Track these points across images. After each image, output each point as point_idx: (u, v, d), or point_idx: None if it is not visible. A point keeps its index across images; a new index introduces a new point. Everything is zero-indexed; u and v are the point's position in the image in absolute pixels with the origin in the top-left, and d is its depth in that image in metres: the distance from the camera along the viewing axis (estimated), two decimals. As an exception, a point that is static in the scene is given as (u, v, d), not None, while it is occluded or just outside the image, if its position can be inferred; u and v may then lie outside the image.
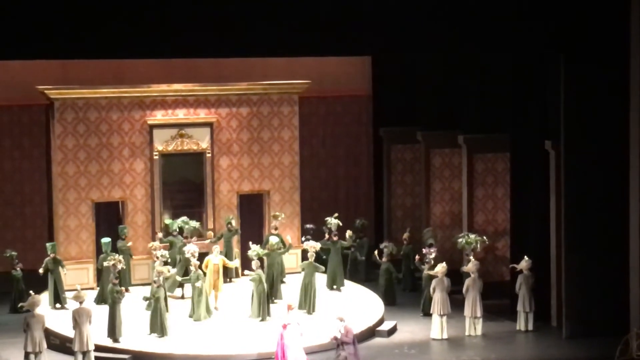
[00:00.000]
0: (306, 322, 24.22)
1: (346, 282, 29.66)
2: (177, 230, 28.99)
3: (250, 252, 26.91)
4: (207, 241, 28.96)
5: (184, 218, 29.12)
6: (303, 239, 29.73)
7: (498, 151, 29.39)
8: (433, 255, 27.48)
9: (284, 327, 23.20)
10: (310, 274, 27.14)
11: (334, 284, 28.94)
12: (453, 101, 30.29)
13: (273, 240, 28.72)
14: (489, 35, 25.21)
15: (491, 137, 29.20)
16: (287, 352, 23.13)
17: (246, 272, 27.01)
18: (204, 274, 26.66)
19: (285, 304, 23.82)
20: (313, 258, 27.31)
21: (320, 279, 28.31)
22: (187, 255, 27.09)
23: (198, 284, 26.00)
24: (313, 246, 27.67)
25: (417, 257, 28.16)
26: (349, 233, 29.60)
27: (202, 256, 27.46)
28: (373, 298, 28.30)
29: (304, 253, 28.58)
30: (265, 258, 27.95)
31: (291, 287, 28.57)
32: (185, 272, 27.73)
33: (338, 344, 22.88)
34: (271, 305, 26.58)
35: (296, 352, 23.11)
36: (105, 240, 27.71)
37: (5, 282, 27.73)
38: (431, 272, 26.64)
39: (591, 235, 25.65)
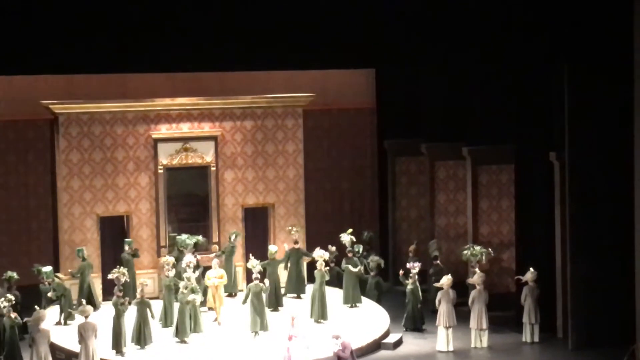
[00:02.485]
0: (312, 334, 24.12)
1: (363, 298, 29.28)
2: (188, 246, 28.81)
3: (249, 264, 26.90)
4: (212, 255, 28.89)
5: (185, 235, 28.98)
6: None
7: (503, 163, 29.35)
8: (417, 270, 27.38)
9: (290, 339, 23.17)
10: (318, 282, 27.25)
11: (349, 300, 28.72)
12: (457, 113, 30.24)
13: (272, 249, 28.84)
14: (492, 47, 25.22)
15: (496, 149, 29.19)
16: None
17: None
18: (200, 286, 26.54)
19: (290, 316, 23.84)
20: (323, 267, 27.50)
21: (337, 296, 28.42)
22: (183, 266, 26.98)
23: (191, 297, 25.83)
24: (321, 255, 27.77)
25: (400, 271, 27.99)
26: (331, 250, 29.35)
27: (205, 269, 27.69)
28: (379, 311, 28.20)
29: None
30: (267, 268, 28.14)
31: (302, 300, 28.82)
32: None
33: (339, 359, 22.96)
34: (270, 318, 26.32)
35: None
36: (47, 269, 27.34)
37: (32, 295, 27.37)
38: (437, 285, 26.63)
39: (596, 246, 25.62)
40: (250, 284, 26.23)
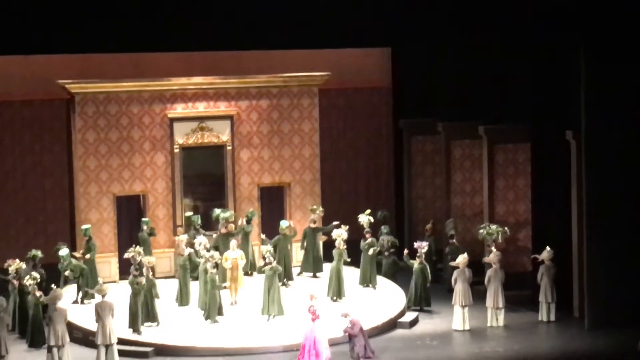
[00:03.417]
0: (327, 312, 24.12)
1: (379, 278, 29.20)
2: (200, 224, 28.95)
3: (262, 249, 26.73)
4: (214, 235, 28.81)
5: (219, 209, 29.13)
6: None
7: (519, 142, 29.21)
8: (425, 249, 27.34)
9: (314, 319, 23.21)
10: (336, 260, 27.32)
11: (366, 281, 28.64)
12: (473, 92, 30.13)
13: (283, 224, 28.91)
14: (509, 26, 25.12)
15: (512, 128, 29.07)
16: (318, 346, 23.14)
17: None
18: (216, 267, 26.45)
19: (308, 293, 23.85)
20: (341, 245, 27.51)
21: (354, 277, 28.43)
22: (197, 247, 26.96)
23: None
24: (339, 234, 27.78)
25: (405, 251, 27.91)
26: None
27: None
28: (395, 290, 28.17)
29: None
30: (278, 243, 28.32)
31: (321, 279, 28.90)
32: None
33: (349, 337, 23.06)
34: (284, 299, 26.11)
35: (325, 346, 23.13)
36: (63, 252, 27.30)
37: (50, 274, 27.39)
38: (453, 264, 26.60)
39: (613, 225, 25.58)
40: (265, 269, 25.93)
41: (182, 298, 26.89)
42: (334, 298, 27.25)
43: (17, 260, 25.98)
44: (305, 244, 29.63)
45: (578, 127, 25.77)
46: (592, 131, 25.46)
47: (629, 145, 25.39)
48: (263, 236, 29.00)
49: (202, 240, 27.16)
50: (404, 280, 28.32)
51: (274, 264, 25.95)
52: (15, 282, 25.59)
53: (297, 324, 24.78)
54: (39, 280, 24.91)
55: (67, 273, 27.03)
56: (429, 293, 27.32)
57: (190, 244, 27.48)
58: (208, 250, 26.71)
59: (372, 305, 26.73)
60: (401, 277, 28.84)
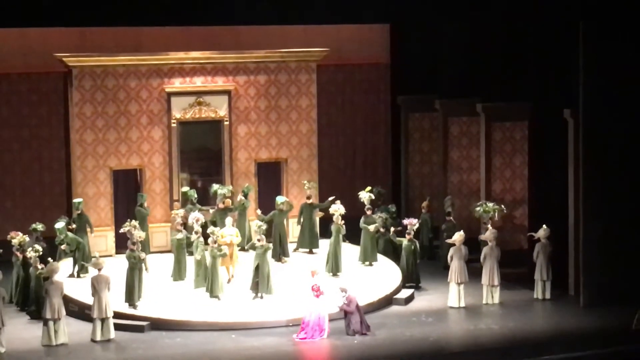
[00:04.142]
0: (328, 288, 24.11)
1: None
2: (196, 198, 28.97)
3: (253, 225, 26.48)
4: (234, 208, 28.80)
5: (217, 185, 29.18)
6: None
7: (517, 119, 29.20)
8: (415, 226, 27.34)
9: (318, 295, 23.26)
10: (334, 236, 27.37)
11: (366, 258, 28.57)
12: (472, 69, 30.08)
13: (279, 200, 28.90)
14: (509, 3, 25.05)
15: (510, 106, 29.03)
16: (322, 322, 23.25)
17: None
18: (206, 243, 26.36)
19: (309, 270, 23.86)
20: (339, 220, 27.57)
21: (352, 254, 28.40)
22: (190, 222, 26.89)
23: (197, 255, 25.82)
24: (337, 210, 27.80)
25: (392, 229, 27.77)
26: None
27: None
28: (392, 267, 28.16)
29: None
30: (273, 219, 28.31)
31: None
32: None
33: (345, 313, 23.13)
34: (276, 278, 25.99)
35: (327, 322, 23.21)
36: (59, 225, 27.14)
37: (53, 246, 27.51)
38: (449, 241, 26.55)
39: (610, 204, 25.54)
40: (257, 247, 25.67)
41: (177, 273, 26.88)
42: (332, 273, 27.24)
43: (20, 234, 25.96)
44: (301, 220, 29.62)
45: (576, 105, 25.68)
46: (590, 110, 25.37)
47: (627, 124, 25.33)
48: (258, 211, 28.99)
49: (197, 216, 27.14)
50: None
51: (264, 242, 25.68)
52: (19, 255, 25.59)
53: (292, 300, 24.89)
54: (40, 253, 24.87)
55: (63, 247, 27.03)
56: (418, 270, 27.31)
57: (185, 220, 27.39)
58: (203, 227, 26.61)
59: (368, 282, 26.71)
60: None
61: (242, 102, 30.41)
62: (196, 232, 26.27)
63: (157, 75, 29.73)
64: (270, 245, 26.21)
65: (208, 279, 25.54)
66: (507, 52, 28.75)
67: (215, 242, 25.61)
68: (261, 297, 25.28)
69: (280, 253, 28.57)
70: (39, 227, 27.06)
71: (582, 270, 25.82)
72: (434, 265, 29.07)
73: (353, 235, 28.99)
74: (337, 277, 27.04)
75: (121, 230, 25.94)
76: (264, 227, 26.23)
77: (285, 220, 29.18)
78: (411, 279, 27.11)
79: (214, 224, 27.67)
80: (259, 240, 25.54)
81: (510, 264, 27.32)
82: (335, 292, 23.70)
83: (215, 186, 29.16)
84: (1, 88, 31.47)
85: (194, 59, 30.00)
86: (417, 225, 27.61)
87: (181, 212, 27.86)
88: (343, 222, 28.00)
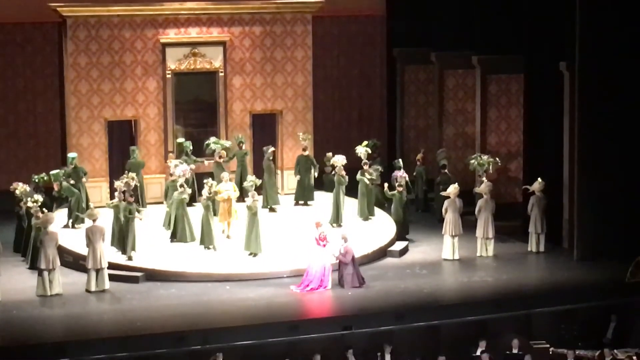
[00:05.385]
0: (332, 240, 24.10)
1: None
2: (191, 149, 28.91)
3: (246, 184, 26.22)
4: (222, 160, 28.78)
5: (214, 138, 29.13)
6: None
7: (512, 72, 29.14)
8: (404, 179, 27.31)
9: (324, 245, 23.34)
10: (337, 187, 27.49)
11: (364, 213, 28.38)
12: (468, 22, 29.94)
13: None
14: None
15: (506, 58, 28.96)
16: (326, 273, 23.35)
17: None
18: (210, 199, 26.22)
19: (314, 221, 23.91)
20: (341, 172, 27.60)
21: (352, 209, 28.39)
22: (178, 174, 26.73)
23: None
24: (340, 161, 27.88)
25: (385, 184, 27.62)
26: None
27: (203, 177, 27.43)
28: (386, 219, 28.16)
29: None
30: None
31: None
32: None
33: (339, 264, 23.28)
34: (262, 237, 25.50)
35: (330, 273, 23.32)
36: (55, 171, 27.25)
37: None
38: (443, 193, 26.59)
39: (604, 158, 25.57)
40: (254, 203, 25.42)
41: (170, 223, 26.79)
42: (333, 224, 27.21)
43: (21, 184, 25.98)
44: (298, 172, 29.56)
45: (572, 58, 25.60)
46: (586, 63, 25.29)
47: (623, 77, 25.25)
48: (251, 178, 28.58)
49: (184, 169, 26.95)
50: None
51: (256, 198, 25.43)
52: (23, 205, 25.58)
53: (287, 252, 25.05)
54: (40, 202, 24.81)
55: (54, 193, 26.88)
56: (407, 222, 27.34)
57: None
58: (189, 182, 26.50)
59: (362, 234, 26.73)
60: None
61: (237, 54, 30.27)
62: (181, 186, 26.06)
63: (152, 25, 29.56)
64: (257, 206, 25.52)
65: (202, 230, 25.49)
66: (503, 4, 28.60)
67: (209, 193, 25.53)
68: (254, 256, 25.13)
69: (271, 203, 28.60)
70: (43, 177, 26.99)
71: (576, 223, 25.89)
72: (429, 218, 29.16)
73: (347, 188, 28.89)
74: (339, 227, 26.93)
75: (118, 184, 25.83)
76: (258, 182, 26.16)
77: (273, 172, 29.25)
78: (401, 230, 27.10)
79: (212, 177, 27.55)
80: (250, 195, 25.34)
81: (505, 217, 27.36)
82: (336, 241, 23.72)
83: (210, 140, 29.03)
84: (-5, 38, 31.35)
85: (188, 10, 29.83)
86: (406, 178, 27.46)
87: (176, 162, 27.69)
88: (344, 172, 27.88)
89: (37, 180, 26.90)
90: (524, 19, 27.59)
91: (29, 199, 25.01)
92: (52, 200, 27.33)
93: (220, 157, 28.86)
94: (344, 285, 23.49)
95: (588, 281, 24.34)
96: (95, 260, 23.35)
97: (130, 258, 24.67)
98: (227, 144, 29.16)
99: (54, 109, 31.57)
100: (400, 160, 29.64)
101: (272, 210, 28.58)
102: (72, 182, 27.37)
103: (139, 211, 25.27)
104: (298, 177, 29.49)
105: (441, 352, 21.31)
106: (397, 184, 27.19)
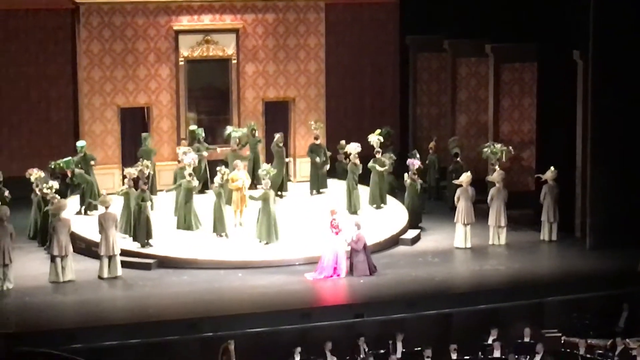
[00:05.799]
0: (346, 227, 24.09)
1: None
2: (204, 137, 28.91)
3: (260, 172, 26.26)
4: (236, 147, 28.69)
5: (232, 127, 29.08)
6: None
7: (526, 60, 29.11)
8: (416, 166, 27.21)
9: (337, 233, 23.34)
10: (351, 175, 27.45)
11: (375, 201, 28.29)
12: (481, 9, 29.77)
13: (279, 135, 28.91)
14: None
15: (519, 46, 28.92)
16: (339, 260, 23.35)
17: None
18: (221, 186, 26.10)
19: (329, 209, 23.90)
20: (357, 160, 27.57)
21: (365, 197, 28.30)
22: (187, 162, 26.60)
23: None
24: (355, 149, 27.81)
25: (405, 175, 27.40)
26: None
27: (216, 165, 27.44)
28: (399, 208, 28.01)
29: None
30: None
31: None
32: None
33: (351, 251, 23.29)
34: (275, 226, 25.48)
35: (344, 260, 23.34)
36: (66, 159, 27.35)
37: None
38: (456, 182, 26.56)
39: (618, 146, 25.50)
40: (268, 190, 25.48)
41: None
42: (350, 212, 27.16)
43: (35, 170, 26.02)
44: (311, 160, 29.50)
45: (586, 47, 25.52)
46: (600, 52, 25.20)
47: (637, 66, 25.16)
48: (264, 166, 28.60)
49: (193, 157, 26.84)
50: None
51: (269, 187, 25.44)
52: (38, 192, 25.63)
53: (301, 239, 25.07)
54: (54, 189, 24.86)
55: (67, 180, 26.97)
56: (421, 210, 27.31)
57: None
58: (200, 170, 26.55)
59: (375, 222, 26.68)
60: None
61: (250, 41, 30.23)
62: (189, 175, 25.97)
63: (165, 12, 29.53)
64: (271, 192, 25.62)
65: (214, 217, 25.44)
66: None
67: (222, 179, 25.53)
68: (266, 244, 25.13)
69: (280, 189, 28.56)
70: (59, 163, 27.03)
71: (588, 212, 25.84)
72: (441, 206, 29.09)
73: (360, 177, 28.81)
74: (354, 215, 26.88)
75: (132, 171, 25.87)
76: (273, 171, 26.16)
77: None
78: (414, 219, 27.04)
79: (226, 165, 27.47)
80: (264, 184, 25.35)
81: (517, 206, 27.32)
82: (350, 228, 23.69)
83: (229, 129, 29.00)
84: (8, 25, 31.15)
85: (202, -3, 29.81)
86: (417, 165, 27.35)
87: (185, 149, 27.59)
88: (358, 159, 27.82)
89: (53, 167, 26.97)
90: (538, 7, 27.47)
91: (44, 185, 25.03)
92: (67, 187, 27.41)
93: (238, 144, 28.74)
94: (355, 273, 23.47)
95: (600, 270, 24.31)
96: (108, 247, 23.37)
97: (144, 245, 24.57)
98: (245, 131, 29.08)
99: (66, 96, 31.43)
100: (416, 151, 29.55)
101: (279, 196, 28.46)
102: (81, 170, 27.35)
103: (150, 200, 25.25)
104: (318, 159, 29.21)
105: (452, 341, 21.29)
106: (410, 173, 27.10)
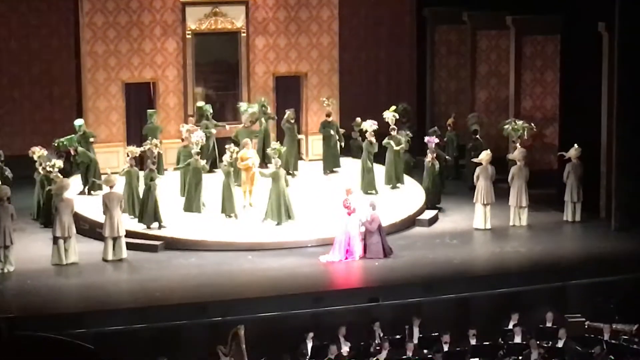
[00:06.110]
0: (361, 207, 23.73)
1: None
2: (212, 113, 28.51)
3: (269, 150, 25.94)
4: (249, 124, 28.20)
5: (245, 103, 28.76)
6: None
7: (548, 33, 28.81)
8: (434, 144, 26.79)
9: (350, 214, 23.02)
10: (366, 153, 27.11)
11: (391, 181, 27.80)
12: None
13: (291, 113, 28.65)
14: None
15: (541, 18, 28.63)
16: (352, 242, 23.08)
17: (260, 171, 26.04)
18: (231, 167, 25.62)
19: (344, 188, 23.56)
20: (373, 137, 27.21)
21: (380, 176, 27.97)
22: (194, 140, 26.10)
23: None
24: (370, 126, 27.33)
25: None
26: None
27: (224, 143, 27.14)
28: (416, 187, 27.63)
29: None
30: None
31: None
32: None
33: (365, 233, 23.12)
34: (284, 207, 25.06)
35: (358, 242, 23.05)
36: (69, 137, 26.97)
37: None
38: (475, 160, 26.32)
39: (645, 121, 25.40)
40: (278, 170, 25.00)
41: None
42: (367, 192, 26.81)
43: (38, 148, 25.79)
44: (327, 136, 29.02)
45: (612, 18, 25.12)
46: (627, 23, 24.84)
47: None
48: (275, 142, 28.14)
49: (200, 135, 26.34)
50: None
51: (279, 166, 24.95)
52: (41, 171, 25.40)
53: (312, 221, 24.73)
54: (57, 168, 24.53)
55: (71, 152, 26.69)
56: (440, 190, 26.99)
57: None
58: (202, 150, 26.11)
59: (390, 202, 26.36)
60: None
61: (260, 13, 29.86)
62: (197, 154, 25.54)
63: (171, -17, 29.37)
64: (282, 171, 25.21)
65: (222, 197, 25.10)
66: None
67: (230, 158, 25.16)
68: (278, 224, 24.74)
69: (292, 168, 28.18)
70: (63, 141, 26.83)
71: (614, 192, 25.61)
72: (460, 186, 28.84)
73: (376, 155, 28.27)
74: (370, 194, 26.56)
75: (133, 148, 25.50)
76: (282, 150, 25.86)
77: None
78: (431, 200, 26.73)
79: (237, 143, 27.00)
80: (274, 162, 24.99)
81: (539, 185, 27.01)
82: (364, 208, 23.40)
83: (243, 105, 28.62)
84: (8, -3, 31.20)
85: (209, -33, 29.58)
86: (435, 142, 26.87)
87: (189, 127, 27.37)
88: (374, 137, 27.34)
89: (57, 145, 26.81)
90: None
91: (47, 163, 24.84)
92: (72, 166, 27.24)
93: (251, 122, 28.28)
94: (368, 255, 23.19)
95: (626, 252, 24.07)
96: (113, 228, 23.09)
97: (158, 227, 24.21)
98: (255, 107, 28.73)
99: (69, 71, 31.25)
100: (436, 128, 29.14)
101: (290, 175, 27.76)
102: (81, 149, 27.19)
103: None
104: (332, 132, 28.67)
105: (471, 326, 20.95)
106: (429, 151, 26.68)
